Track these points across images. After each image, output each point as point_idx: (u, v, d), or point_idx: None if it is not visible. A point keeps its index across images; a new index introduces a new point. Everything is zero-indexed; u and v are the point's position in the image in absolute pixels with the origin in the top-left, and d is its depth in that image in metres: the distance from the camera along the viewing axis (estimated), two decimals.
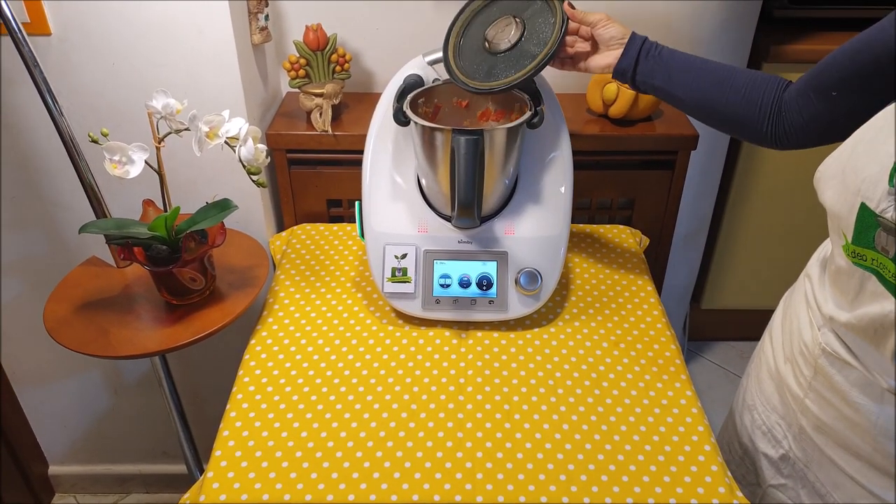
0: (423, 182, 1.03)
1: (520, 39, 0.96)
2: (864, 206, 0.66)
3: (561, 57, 0.96)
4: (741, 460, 0.99)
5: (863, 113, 0.70)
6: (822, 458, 0.83)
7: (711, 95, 0.88)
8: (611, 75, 0.93)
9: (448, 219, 1.02)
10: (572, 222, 1.06)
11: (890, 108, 0.68)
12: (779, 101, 0.84)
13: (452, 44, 0.99)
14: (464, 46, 0.99)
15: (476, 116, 1.06)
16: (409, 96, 0.98)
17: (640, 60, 0.90)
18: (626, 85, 0.94)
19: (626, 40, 0.91)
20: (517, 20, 0.96)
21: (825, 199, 0.73)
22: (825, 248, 0.86)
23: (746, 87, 0.86)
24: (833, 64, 0.78)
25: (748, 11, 1.37)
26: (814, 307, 0.82)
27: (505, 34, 0.96)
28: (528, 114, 0.95)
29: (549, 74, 1.07)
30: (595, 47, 0.94)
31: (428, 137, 0.94)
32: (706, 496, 0.80)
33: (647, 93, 0.93)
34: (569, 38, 0.95)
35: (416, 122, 0.94)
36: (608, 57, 0.92)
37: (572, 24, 0.94)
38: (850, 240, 0.69)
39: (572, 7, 0.92)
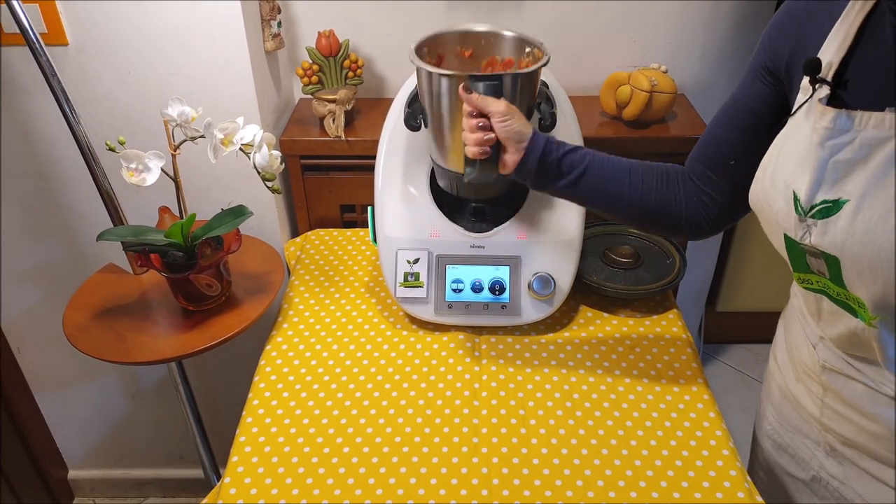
0: (435, 145, 0.96)
1: (635, 266, 1.11)
2: (786, 237, 0.68)
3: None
4: (768, 488, 0.94)
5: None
6: (859, 472, 0.79)
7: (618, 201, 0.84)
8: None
9: (462, 224, 1.02)
10: (585, 227, 1.06)
11: (778, 138, 0.69)
12: (685, 189, 0.83)
13: None
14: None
15: (481, 66, 1.00)
16: (413, 46, 0.92)
17: (539, 173, 0.81)
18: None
19: (524, 144, 0.80)
20: (637, 252, 1.12)
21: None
22: None
23: (650, 186, 0.84)
24: (715, 136, 0.80)
25: (761, 13, 1.36)
26: (805, 324, 0.80)
27: (622, 255, 1.12)
28: (545, 57, 0.88)
29: (562, 75, 1.07)
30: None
31: (445, 87, 0.87)
32: (725, 500, 0.80)
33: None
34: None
35: (429, 71, 0.87)
36: (512, 156, 0.81)
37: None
38: (792, 269, 0.71)
39: (468, 92, 0.81)
